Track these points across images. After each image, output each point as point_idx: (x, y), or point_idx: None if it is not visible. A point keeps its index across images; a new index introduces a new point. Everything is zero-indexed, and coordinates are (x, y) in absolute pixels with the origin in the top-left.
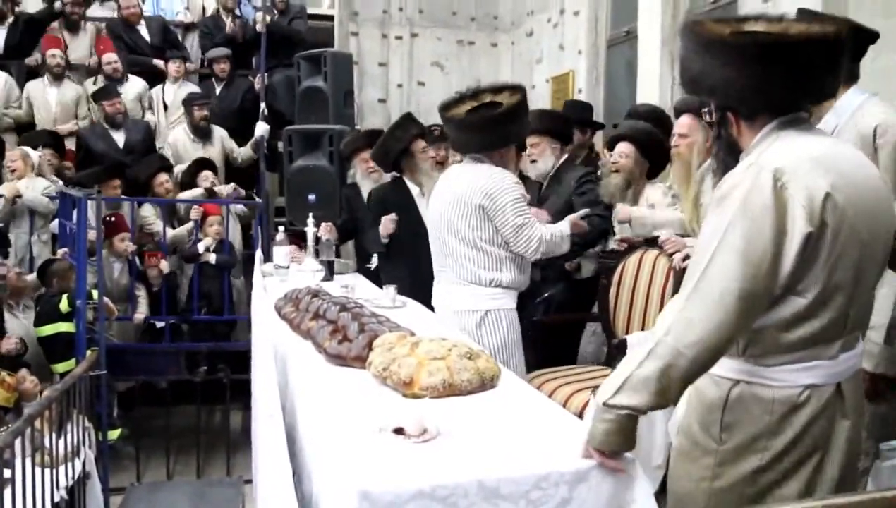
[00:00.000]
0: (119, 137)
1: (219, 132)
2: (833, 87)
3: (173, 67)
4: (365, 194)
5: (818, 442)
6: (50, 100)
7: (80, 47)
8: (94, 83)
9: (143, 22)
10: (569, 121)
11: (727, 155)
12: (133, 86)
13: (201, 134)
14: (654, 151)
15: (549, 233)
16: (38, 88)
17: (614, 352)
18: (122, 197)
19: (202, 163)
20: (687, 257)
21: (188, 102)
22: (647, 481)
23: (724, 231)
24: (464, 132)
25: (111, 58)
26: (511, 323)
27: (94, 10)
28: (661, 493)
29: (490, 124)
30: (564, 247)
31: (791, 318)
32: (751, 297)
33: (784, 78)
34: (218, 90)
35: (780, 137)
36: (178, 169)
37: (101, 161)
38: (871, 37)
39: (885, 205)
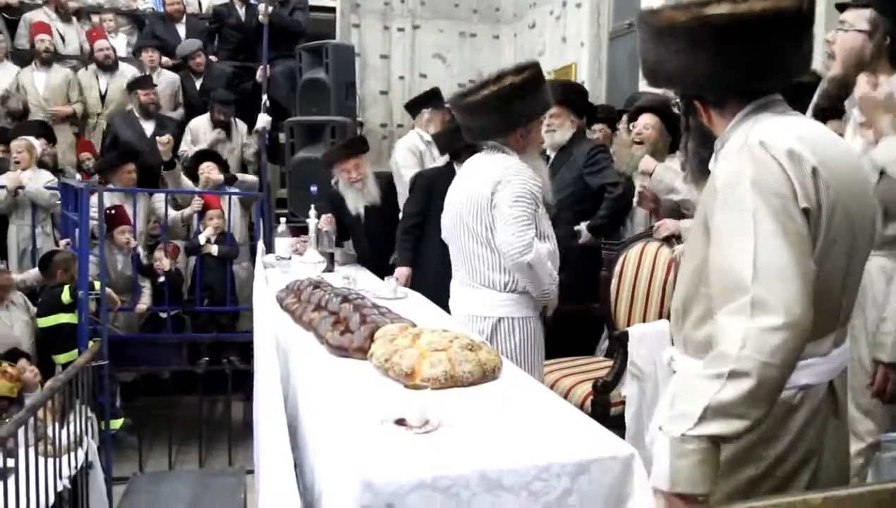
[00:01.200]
0: (148, 127)
1: (241, 128)
2: (804, 64)
3: (147, 57)
4: (350, 204)
5: (813, 446)
6: (38, 86)
7: (72, 37)
8: (87, 70)
9: (183, 19)
10: (587, 96)
11: (699, 145)
12: (125, 77)
13: (221, 129)
14: (677, 124)
15: (546, 249)
16: (27, 75)
17: (615, 345)
18: (125, 188)
19: (205, 154)
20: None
21: (212, 100)
22: (645, 473)
23: (752, 222)
24: (479, 116)
25: (103, 44)
26: (526, 331)
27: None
28: None
29: (502, 102)
30: (546, 280)
31: None
32: (808, 278)
33: (743, 59)
34: (198, 84)
35: (758, 120)
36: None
37: (125, 147)
38: None
39: (868, 188)
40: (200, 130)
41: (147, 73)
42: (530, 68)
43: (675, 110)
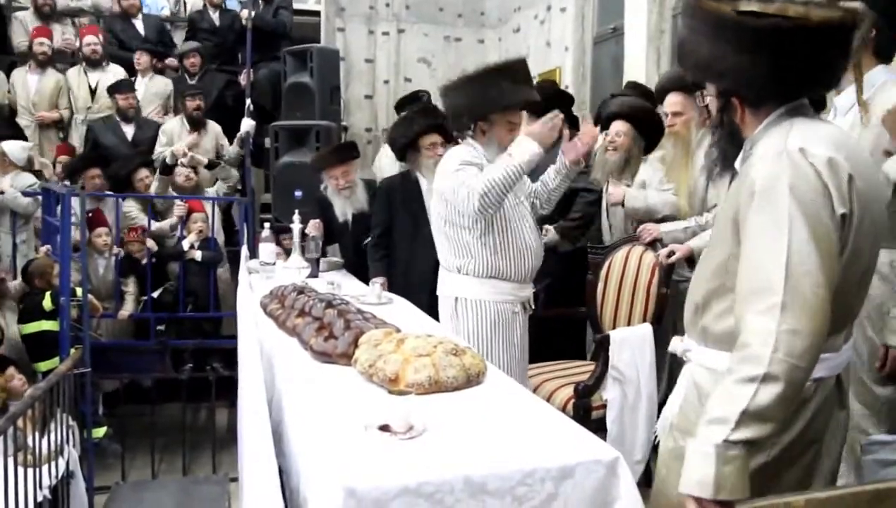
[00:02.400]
0: (129, 131)
1: (214, 128)
2: (840, 75)
3: (141, 59)
4: (337, 210)
5: (818, 433)
6: (30, 88)
7: (56, 37)
8: (78, 72)
9: (140, 16)
10: (567, 98)
11: (728, 143)
12: (114, 74)
13: (193, 125)
14: (650, 128)
15: (487, 178)
16: (20, 76)
17: (597, 349)
18: (107, 193)
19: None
20: (671, 253)
21: (182, 94)
22: (631, 477)
23: (787, 227)
24: (449, 106)
25: (91, 39)
26: (482, 313)
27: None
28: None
29: (466, 89)
30: (500, 172)
31: None
32: (832, 285)
33: (797, 65)
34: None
35: (794, 124)
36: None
37: (109, 154)
38: None
39: (884, 192)
40: (174, 132)
41: (142, 77)
42: (516, 60)
43: (700, 102)
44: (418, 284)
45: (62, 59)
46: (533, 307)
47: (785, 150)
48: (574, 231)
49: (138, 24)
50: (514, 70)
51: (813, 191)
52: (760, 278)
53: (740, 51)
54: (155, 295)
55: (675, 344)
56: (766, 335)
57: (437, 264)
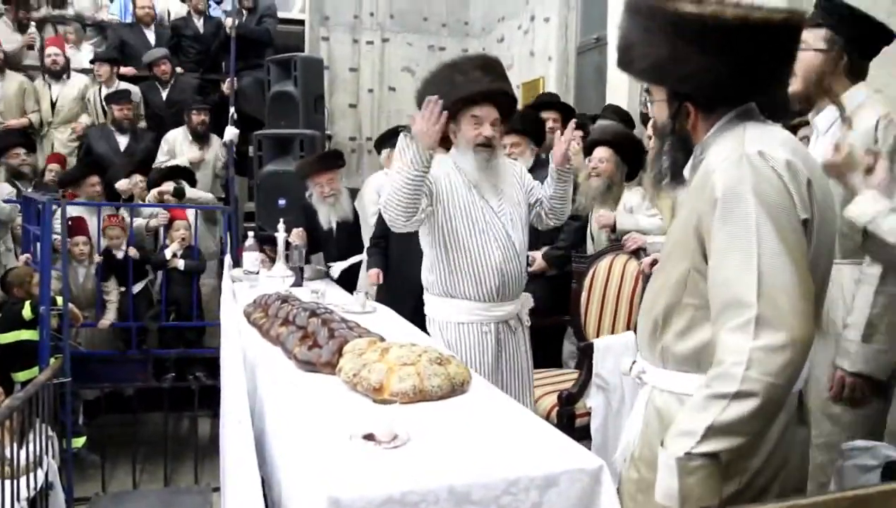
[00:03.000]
0: (122, 141)
1: (217, 141)
2: (789, 79)
3: (101, 70)
4: (322, 218)
5: (785, 457)
6: None
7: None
8: (40, 79)
9: (152, 27)
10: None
11: (677, 149)
12: (75, 85)
13: (199, 138)
14: (632, 154)
15: (386, 191)
16: None
17: (581, 357)
18: (87, 202)
19: (176, 171)
20: (655, 262)
21: (189, 108)
22: (613, 486)
23: (756, 236)
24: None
25: (52, 50)
26: (447, 332)
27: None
28: None
29: (425, 91)
30: (394, 189)
31: None
32: (810, 291)
33: (751, 65)
34: (164, 93)
35: (746, 128)
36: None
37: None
38: (888, 36)
39: (834, 199)
40: (177, 142)
41: (106, 87)
42: (470, 55)
43: (644, 109)
44: (407, 290)
45: (36, 67)
46: (526, 323)
47: (744, 154)
48: (560, 258)
49: (150, 34)
50: (465, 63)
51: (777, 194)
52: (732, 293)
53: (704, 52)
54: (136, 289)
55: (627, 366)
56: (739, 353)
57: None
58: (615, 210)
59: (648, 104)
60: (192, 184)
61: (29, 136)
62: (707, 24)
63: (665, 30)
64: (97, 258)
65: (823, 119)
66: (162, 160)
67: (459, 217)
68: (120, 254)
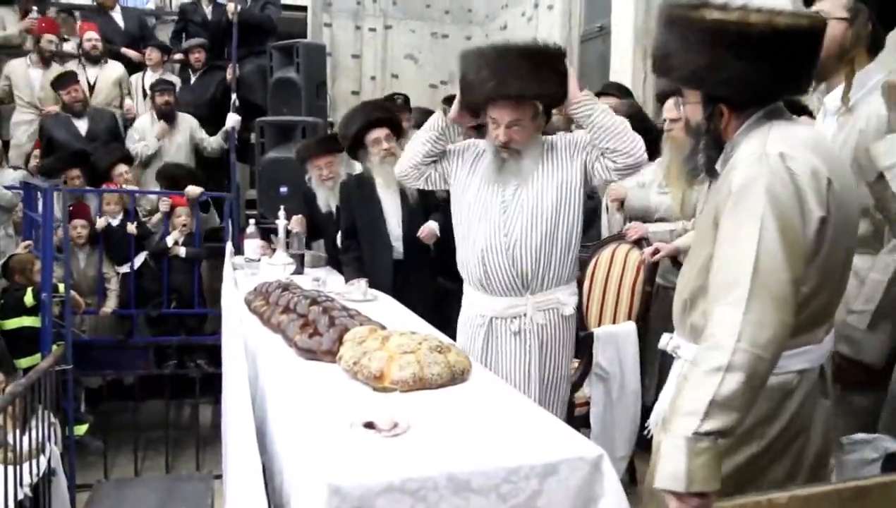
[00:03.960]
0: (81, 126)
1: (187, 120)
2: (812, 79)
3: (148, 54)
4: (321, 201)
5: (804, 424)
6: (34, 83)
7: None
8: (27, 63)
9: (118, 9)
10: None
11: (711, 147)
12: (113, 69)
13: (163, 119)
14: (642, 130)
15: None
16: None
17: (581, 346)
18: (87, 188)
19: (121, 158)
20: (656, 251)
21: (152, 88)
22: (615, 475)
23: (758, 227)
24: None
25: (49, 37)
26: (460, 318)
27: None
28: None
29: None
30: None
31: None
32: (798, 283)
33: (780, 68)
34: (193, 80)
35: (772, 127)
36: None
37: (63, 150)
38: None
39: (857, 191)
40: (145, 129)
41: (153, 72)
42: (509, 46)
43: (680, 110)
44: (380, 283)
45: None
46: (545, 331)
47: (764, 154)
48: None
49: (117, 17)
50: (490, 54)
51: (788, 194)
52: (729, 273)
53: (739, 57)
54: (138, 261)
55: (665, 341)
56: (731, 325)
57: (396, 264)
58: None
59: (682, 106)
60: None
61: None
62: (742, 33)
63: (703, 39)
64: (100, 222)
65: (833, 98)
66: (132, 147)
67: (465, 201)
68: (115, 222)
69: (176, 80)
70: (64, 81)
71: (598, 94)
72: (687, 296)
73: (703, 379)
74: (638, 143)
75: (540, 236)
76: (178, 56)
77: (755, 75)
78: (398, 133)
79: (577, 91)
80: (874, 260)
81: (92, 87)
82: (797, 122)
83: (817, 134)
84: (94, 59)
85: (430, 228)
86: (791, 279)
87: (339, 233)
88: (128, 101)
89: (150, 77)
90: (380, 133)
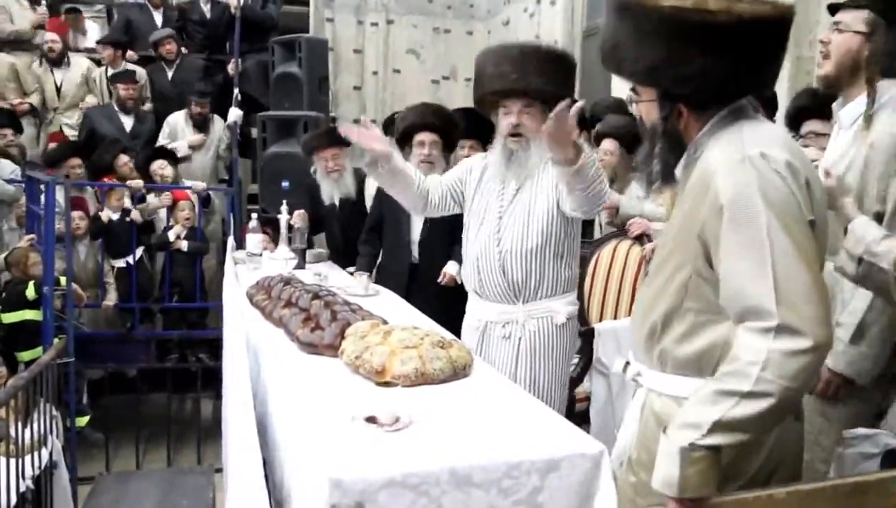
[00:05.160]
0: (127, 122)
1: (219, 124)
2: (777, 76)
3: (106, 53)
4: (324, 193)
5: (783, 451)
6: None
7: (23, 20)
8: (34, 60)
9: (161, 9)
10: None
11: (669, 150)
12: (78, 68)
13: (199, 127)
14: (639, 146)
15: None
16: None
17: (583, 340)
18: (90, 182)
19: (159, 152)
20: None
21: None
22: (610, 471)
23: (767, 240)
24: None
25: (51, 36)
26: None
27: None
28: None
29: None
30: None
31: None
32: (827, 294)
33: (757, 64)
34: (169, 73)
35: (743, 127)
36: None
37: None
38: None
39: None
40: (178, 126)
41: (112, 69)
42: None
43: (634, 109)
44: (394, 286)
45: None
46: (535, 341)
47: (746, 157)
48: None
49: (157, 16)
50: (500, 52)
51: (784, 197)
52: (750, 302)
53: (701, 51)
54: (131, 261)
55: (618, 367)
56: (757, 353)
57: (411, 267)
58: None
59: (633, 104)
60: (175, 164)
61: (15, 116)
62: (704, 23)
63: (659, 30)
64: (106, 215)
65: (848, 113)
66: (163, 142)
67: (472, 209)
68: (115, 216)
69: (141, 71)
70: (123, 77)
71: (601, 135)
72: (657, 319)
73: (716, 397)
74: (601, 202)
75: (531, 247)
76: (137, 54)
77: (718, 71)
78: (449, 145)
79: (584, 151)
80: None
81: (59, 88)
82: (763, 121)
83: (784, 132)
84: (55, 61)
85: (450, 274)
86: (818, 292)
87: (366, 223)
88: (90, 98)
89: (111, 72)
90: (426, 137)
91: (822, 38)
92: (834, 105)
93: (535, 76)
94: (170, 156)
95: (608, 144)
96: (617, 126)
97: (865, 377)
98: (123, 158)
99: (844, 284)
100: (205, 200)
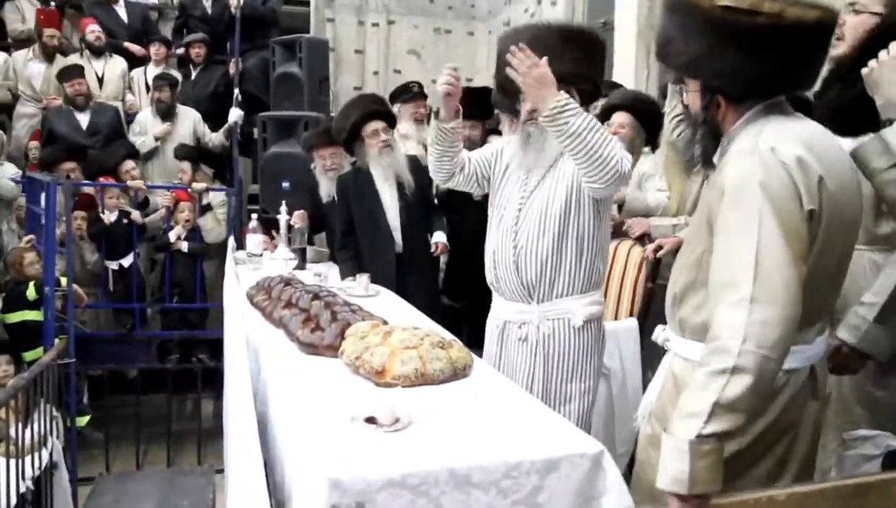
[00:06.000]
0: (83, 119)
1: (189, 114)
2: (818, 75)
3: (154, 50)
4: (323, 190)
5: (792, 423)
6: (35, 76)
7: (13, 18)
8: (28, 56)
9: (121, 3)
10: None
11: (709, 139)
12: (117, 63)
13: (162, 113)
14: (651, 119)
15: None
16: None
17: None
18: (90, 182)
19: (127, 155)
20: (659, 248)
21: (155, 82)
22: (617, 470)
23: (757, 223)
24: None
25: (52, 32)
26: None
27: None
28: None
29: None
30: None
31: None
32: (802, 276)
33: (792, 63)
34: (194, 74)
35: (768, 122)
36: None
37: (62, 143)
38: None
39: (858, 191)
40: (147, 122)
41: (155, 67)
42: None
43: (681, 99)
44: (383, 280)
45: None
46: (548, 343)
47: (756, 149)
48: None
49: (121, 11)
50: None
51: (783, 188)
52: (730, 272)
53: (737, 49)
54: (129, 259)
55: (657, 332)
56: (736, 327)
57: (398, 258)
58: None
59: (684, 93)
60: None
61: None
62: (742, 24)
63: (702, 28)
64: (107, 217)
65: None
66: (133, 139)
67: (495, 201)
68: (112, 218)
69: (178, 74)
70: (69, 74)
71: (612, 108)
72: (677, 291)
73: (708, 381)
74: (610, 168)
75: (548, 243)
76: (179, 51)
77: (751, 68)
78: (393, 125)
79: (554, 95)
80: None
81: (101, 80)
82: (797, 117)
83: (816, 129)
84: (99, 52)
85: (442, 243)
86: (796, 274)
87: (337, 230)
88: (130, 96)
89: (153, 71)
90: (377, 125)
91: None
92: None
93: (556, 60)
94: (135, 156)
95: (621, 117)
96: (628, 97)
97: (887, 355)
98: (129, 164)
99: (867, 273)
100: (203, 209)
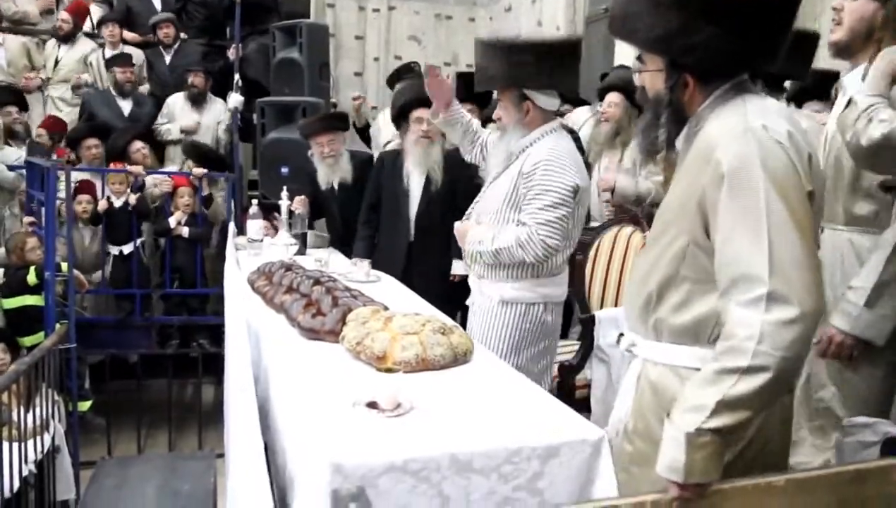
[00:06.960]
0: (125, 106)
1: (217, 104)
2: (785, 46)
3: (107, 31)
4: (321, 177)
5: (770, 422)
6: None
7: (29, 3)
8: (36, 38)
9: None
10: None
11: (673, 121)
12: (84, 47)
13: (193, 99)
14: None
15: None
16: None
17: (583, 327)
18: (89, 167)
19: (136, 134)
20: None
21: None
22: (610, 458)
23: (765, 211)
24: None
25: (64, 16)
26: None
27: None
28: None
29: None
30: None
31: None
32: (819, 265)
33: (763, 36)
34: (168, 59)
35: (746, 100)
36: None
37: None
38: None
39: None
40: (177, 107)
41: (111, 49)
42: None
43: (639, 80)
44: (391, 264)
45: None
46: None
47: (749, 128)
48: None
49: (157, 2)
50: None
51: (784, 168)
52: (743, 268)
53: (713, 22)
54: (130, 246)
55: (613, 338)
56: (751, 327)
57: (409, 246)
58: (622, 156)
59: (637, 73)
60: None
61: (21, 95)
62: None
63: (677, 0)
64: (103, 204)
65: (851, 78)
66: (160, 123)
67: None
68: (118, 203)
69: (138, 53)
70: (120, 60)
71: (606, 88)
72: (653, 288)
73: (717, 377)
74: (527, 263)
75: (497, 216)
76: (135, 36)
77: (726, 41)
78: None
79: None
80: (877, 239)
81: (57, 62)
82: (766, 96)
83: (786, 107)
84: (64, 38)
85: (459, 275)
86: (812, 263)
87: (363, 203)
88: (85, 75)
89: (109, 53)
90: (424, 112)
91: (834, 5)
92: (842, 71)
93: (493, 71)
94: (149, 138)
95: (613, 97)
96: (623, 78)
97: (884, 337)
98: (137, 144)
99: (845, 255)
100: (206, 200)
